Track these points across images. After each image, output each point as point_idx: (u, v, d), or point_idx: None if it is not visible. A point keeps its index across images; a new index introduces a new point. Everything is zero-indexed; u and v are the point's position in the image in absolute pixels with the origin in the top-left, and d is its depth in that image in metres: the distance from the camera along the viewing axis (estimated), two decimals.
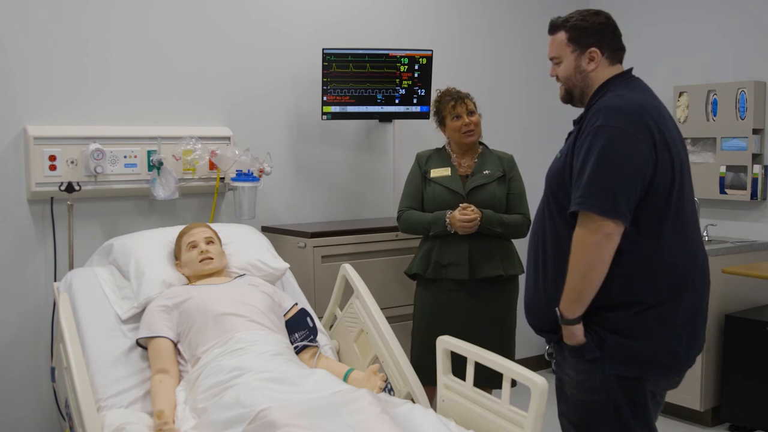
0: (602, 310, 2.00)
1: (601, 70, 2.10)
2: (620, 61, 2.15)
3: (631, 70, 2.15)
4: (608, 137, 1.92)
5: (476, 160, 3.14)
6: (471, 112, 3.09)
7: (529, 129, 4.53)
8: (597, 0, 4.73)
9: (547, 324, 2.11)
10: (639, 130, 1.93)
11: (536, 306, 2.16)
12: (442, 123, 3.15)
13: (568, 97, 2.18)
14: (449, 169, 3.12)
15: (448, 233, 3.01)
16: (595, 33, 2.09)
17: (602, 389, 2.03)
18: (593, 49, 2.09)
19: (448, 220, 2.99)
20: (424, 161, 3.18)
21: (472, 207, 2.98)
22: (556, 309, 2.03)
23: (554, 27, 2.16)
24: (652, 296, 1.99)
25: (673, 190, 1.99)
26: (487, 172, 3.10)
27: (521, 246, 3.23)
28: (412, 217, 3.11)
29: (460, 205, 3.00)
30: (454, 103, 3.08)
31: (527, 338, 4.53)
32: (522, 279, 3.18)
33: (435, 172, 3.13)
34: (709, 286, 2.13)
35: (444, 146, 3.22)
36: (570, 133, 2.12)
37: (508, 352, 3.05)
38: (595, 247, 1.92)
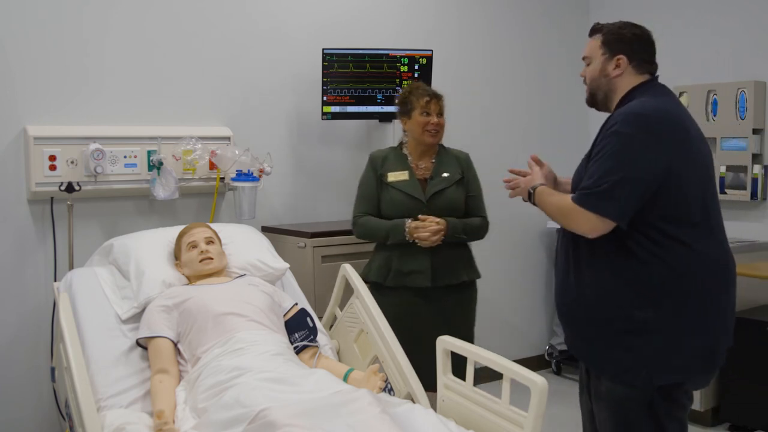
0: (636, 314, 2.05)
1: (626, 78, 2.18)
2: (649, 73, 2.20)
3: (656, 77, 2.21)
4: (618, 142, 2.02)
5: (434, 161, 3.07)
6: (440, 114, 3.02)
7: (529, 129, 4.52)
8: (597, 2, 4.74)
9: (583, 327, 2.18)
10: (653, 136, 2.01)
11: (571, 306, 2.21)
12: (407, 114, 3.04)
13: (592, 100, 2.26)
14: (407, 172, 3.02)
15: (408, 243, 2.95)
16: (627, 42, 2.17)
17: (640, 385, 2.09)
18: (621, 56, 2.16)
19: (407, 229, 2.93)
20: (380, 163, 3.06)
21: (431, 218, 2.91)
22: (529, 189, 2.23)
23: (594, 30, 2.25)
24: (689, 295, 2.04)
25: (706, 190, 2.07)
26: (445, 174, 3.03)
27: (477, 249, 3.17)
28: (370, 224, 3.02)
29: (419, 217, 2.93)
30: (429, 100, 2.99)
31: (527, 338, 4.54)
32: (480, 283, 3.13)
33: (392, 176, 3.02)
34: (735, 286, 2.18)
35: (400, 145, 3.13)
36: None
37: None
38: (574, 226, 2.08)
